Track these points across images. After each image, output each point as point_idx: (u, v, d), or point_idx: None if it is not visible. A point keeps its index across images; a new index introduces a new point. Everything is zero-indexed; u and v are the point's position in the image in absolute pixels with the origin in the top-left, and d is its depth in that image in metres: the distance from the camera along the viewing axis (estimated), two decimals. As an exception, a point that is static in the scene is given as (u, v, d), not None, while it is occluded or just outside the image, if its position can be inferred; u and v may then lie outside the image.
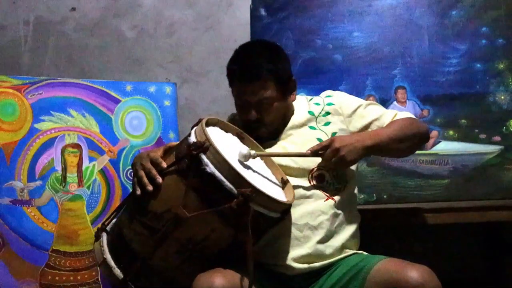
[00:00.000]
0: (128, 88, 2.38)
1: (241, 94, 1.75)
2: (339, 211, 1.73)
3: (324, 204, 1.71)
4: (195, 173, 1.47)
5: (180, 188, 1.48)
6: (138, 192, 1.54)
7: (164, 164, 1.54)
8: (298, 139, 1.79)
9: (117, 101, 2.35)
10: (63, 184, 2.21)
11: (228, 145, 1.63)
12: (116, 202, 2.25)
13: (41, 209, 2.17)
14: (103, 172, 2.27)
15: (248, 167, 1.60)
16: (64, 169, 2.23)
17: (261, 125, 1.77)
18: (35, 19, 2.67)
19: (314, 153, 1.66)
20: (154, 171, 1.53)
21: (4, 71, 2.46)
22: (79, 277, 2.16)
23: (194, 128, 1.57)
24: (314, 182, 1.73)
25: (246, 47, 1.88)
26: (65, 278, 2.14)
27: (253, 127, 1.78)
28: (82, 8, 2.68)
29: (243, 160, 1.61)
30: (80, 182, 2.23)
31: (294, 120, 1.83)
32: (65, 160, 2.24)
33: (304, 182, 1.73)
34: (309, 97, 1.92)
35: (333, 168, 1.69)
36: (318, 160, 1.72)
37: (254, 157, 1.63)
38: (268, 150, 1.77)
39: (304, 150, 1.73)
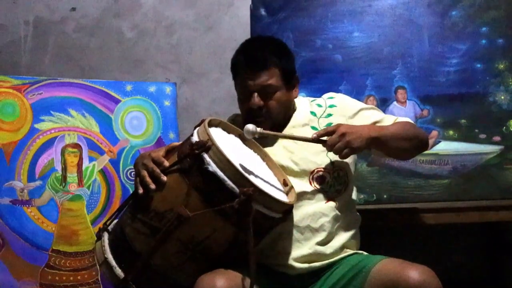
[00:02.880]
0: (128, 88, 2.38)
1: (246, 81, 1.74)
2: (340, 213, 1.72)
3: (325, 206, 1.71)
4: (197, 172, 1.47)
5: (183, 187, 1.48)
6: (141, 191, 1.54)
7: (167, 163, 1.54)
8: (300, 139, 1.78)
9: (117, 101, 2.35)
10: (63, 184, 2.21)
11: (230, 146, 1.63)
12: (116, 202, 2.25)
13: (41, 209, 2.17)
14: (103, 172, 2.27)
15: (250, 168, 1.59)
16: (64, 169, 2.23)
17: (264, 115, 1.75)
18: (35, 19, 2.67)
19: (319, 138, 1.64)
20: (157, 170, 1.53)
21: (4, 71, 2.47)
22: (79, 277, 2.16)
23: (197, 128, 1.57)
24: (315, 184, 1.72)
25: (252, 40, 1.87)
26: (65, 278, 2.14)
27: (255, 117, 1.74)
28: (82, 8, 2.68)
29: (248, 136, 1.63)
30: (80, 182, 2.23)
31: (295, 119, 1.81)
32: (65, 160, 2.23)
33: (305, 183, 1.72)
34: (311, 99, 1.90)
35: (338, 152, 1.62)
36: (319, 161, 1.72)
37: (258, 134, 1.64)
38: (269, 149, 1.76)
39: (305, 150, 1.74)
